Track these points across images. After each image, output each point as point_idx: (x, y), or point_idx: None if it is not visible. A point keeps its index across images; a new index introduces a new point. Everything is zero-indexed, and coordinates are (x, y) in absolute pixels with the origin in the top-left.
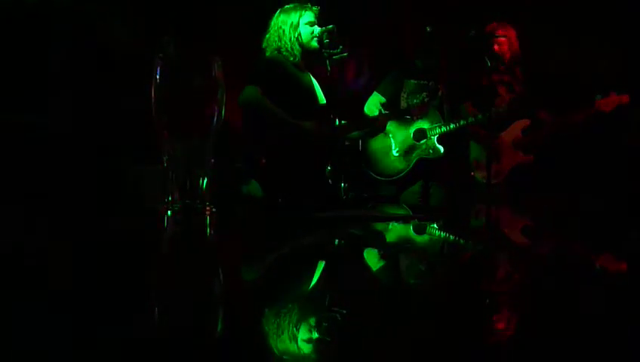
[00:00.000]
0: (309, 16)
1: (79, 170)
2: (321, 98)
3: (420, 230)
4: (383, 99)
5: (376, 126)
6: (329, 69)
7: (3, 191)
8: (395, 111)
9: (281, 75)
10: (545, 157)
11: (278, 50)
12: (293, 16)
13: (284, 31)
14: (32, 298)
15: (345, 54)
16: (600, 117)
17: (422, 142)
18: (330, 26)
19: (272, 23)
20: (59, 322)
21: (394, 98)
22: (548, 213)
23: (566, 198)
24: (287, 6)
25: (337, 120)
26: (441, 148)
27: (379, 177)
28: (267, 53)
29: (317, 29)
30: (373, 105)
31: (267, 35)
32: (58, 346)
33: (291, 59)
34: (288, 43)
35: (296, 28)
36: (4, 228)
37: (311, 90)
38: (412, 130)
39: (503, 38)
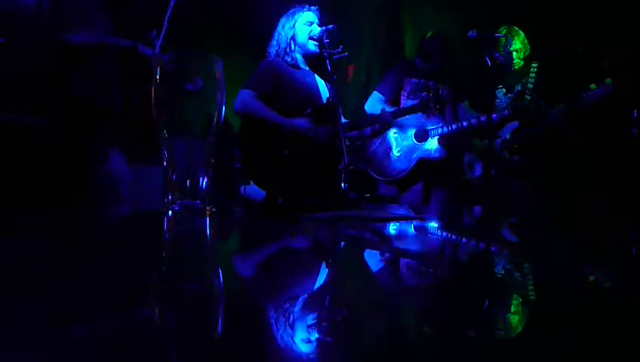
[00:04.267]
0: (306, 16)
1: (78, 170)
2: (325, 96)
3: (417, 231)
4: (383, 98)
5: (381, 124)
6: (329, 69)
7: (3, 195)
8: (400, 110)
9: (275, 76)
10: (534, 158)
11: (277, 53)
12: (291, 18)
13: (281, 34)
14: (31, 299)
15: (345, 54)
16: (586, 114)
17: (423, 142)
18: (330, 26)
19: (276, 30)
20: (58, 324)
21: (394, 97)
22: (535, 214)
23: (556, 198)
24: (290, 10)
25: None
26: (442, 149)
27: (379, 177)
28: (267, 59)
29: (316, 30)
30: (373, 103)
31: (271, 41)
32: (59, 348)
33: (288, 59)
34: (283, 44)
35: (291, 29)
36: (5, 231)
37: (311, 89)
38: (413, 130)
39: (503, 39)
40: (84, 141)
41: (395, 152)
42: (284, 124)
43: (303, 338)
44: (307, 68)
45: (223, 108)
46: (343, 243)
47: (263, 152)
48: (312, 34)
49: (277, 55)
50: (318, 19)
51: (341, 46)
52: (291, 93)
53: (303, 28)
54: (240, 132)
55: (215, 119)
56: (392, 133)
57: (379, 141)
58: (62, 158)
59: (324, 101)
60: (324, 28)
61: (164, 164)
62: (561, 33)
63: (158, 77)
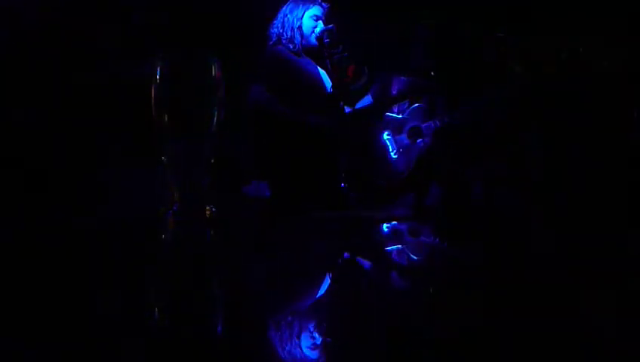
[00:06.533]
0: (315, 10)
1: (78, 170)
2: (328, 85)
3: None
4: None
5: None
6: (329, 68)
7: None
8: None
9: (282, 66)
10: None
11: (279, 37)
12: (301, 7)
13: (288, 19)
14: (31, 302)
15: (345, 54)
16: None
17: (418, 140)
18: (330, 26)
19: (281, 11)
20: (61, 325)
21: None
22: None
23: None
24: None
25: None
26: (438, 144)
27: (382, 183)
28: (269, 42)
29: (319, 27)
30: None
31: (274, 22)
32: (61, 351)
33: (290, 47)
34: (289, 32)
35: (300, 19)
36: (5, 230)
37: (316, 77)
38: (406, 130)
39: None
40: (87, 140)
41: (392, 154)
42: (296, 119)
43: (306, 344)
44: (307, 57)
45: (223, 108)
46: (339, 244)
47: (273, 146)
48: (315, 30)
49: (278, 37)
50: (324, 15)
51: (341, 46)
52: (297, 81)
53: (308, 21)
54: (252, 126)
55: (215, 119)
56: (385, 136)
57: (375, 146)
58: (65, 158)
59: (329, 90)
60: (323, 27)
61: (164, 164)
62: (560, 34)
63: (158, 77)
